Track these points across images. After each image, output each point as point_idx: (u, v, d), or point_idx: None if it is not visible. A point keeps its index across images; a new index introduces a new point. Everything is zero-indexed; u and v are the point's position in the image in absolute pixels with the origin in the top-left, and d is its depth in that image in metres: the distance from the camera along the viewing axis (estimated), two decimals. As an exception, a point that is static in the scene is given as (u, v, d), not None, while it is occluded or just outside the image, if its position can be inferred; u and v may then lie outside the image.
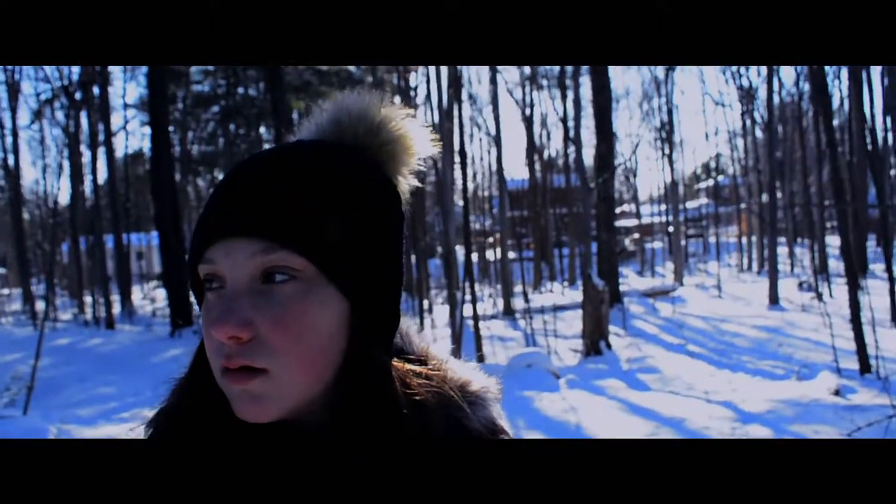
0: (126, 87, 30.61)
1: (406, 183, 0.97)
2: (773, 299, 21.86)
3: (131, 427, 0.96)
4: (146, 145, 38.05)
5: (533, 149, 36.01)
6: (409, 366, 0.92)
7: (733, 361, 12.80)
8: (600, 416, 8.35)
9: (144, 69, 28.48)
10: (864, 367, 10.02)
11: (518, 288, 27.23)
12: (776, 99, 28.87)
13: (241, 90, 26.17)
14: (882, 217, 15.79)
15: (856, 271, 10.53)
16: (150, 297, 34.42)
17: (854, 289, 9.80)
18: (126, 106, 33.11)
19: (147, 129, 35.66)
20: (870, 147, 19.17)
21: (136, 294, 35.40)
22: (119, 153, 33.80)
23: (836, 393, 8.79)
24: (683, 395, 9.57)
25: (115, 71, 27.94)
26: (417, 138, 0.96)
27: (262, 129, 27.32)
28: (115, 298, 26.71)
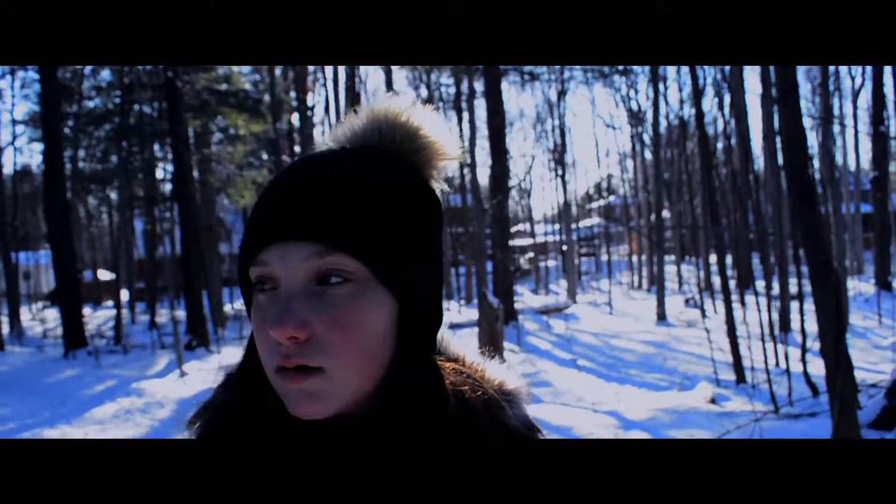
0: (15, 102, 29.43)
1: (438, 186, 0.99)
2: (661, 316, 22.79)
3: (183, 424, 0.97)
4: (34, 161, 37.04)
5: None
6: (453, 364, 0.96)
7: (621, 375, 13.43)
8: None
9: (36, 85, 27.82)
10: (740, 377, 10.73)
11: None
12: (663, 122, 30.14)
13: (136, 107, 25.75)
14: (759, 238, 16.73)
15: (729, 290, 11.26)
16: (40, 318, 33.30)
17: (728, 306, 10.48)
18: (14, 122, 32.08)
19: (35, 146, 34.79)
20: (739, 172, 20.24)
21: (24, 315, 34.20)
22: (6, 169, 32.71)
23: (712, 401, 9.47)
24: (573, 406, 10.07)
25: (5, 86, 27.13)
26: (449, 144, 0.99)
27: (157, 147, 26.93)
28: (3, 319, 25.83)
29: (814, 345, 10.29)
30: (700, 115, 12.29)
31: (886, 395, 7.00)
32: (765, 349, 10.47)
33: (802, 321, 10.17)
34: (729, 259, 23.10)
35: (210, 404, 0.95)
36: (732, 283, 16.50)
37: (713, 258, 32.74)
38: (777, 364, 11.27)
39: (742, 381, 10.74)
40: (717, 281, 28.39)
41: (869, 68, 24.99)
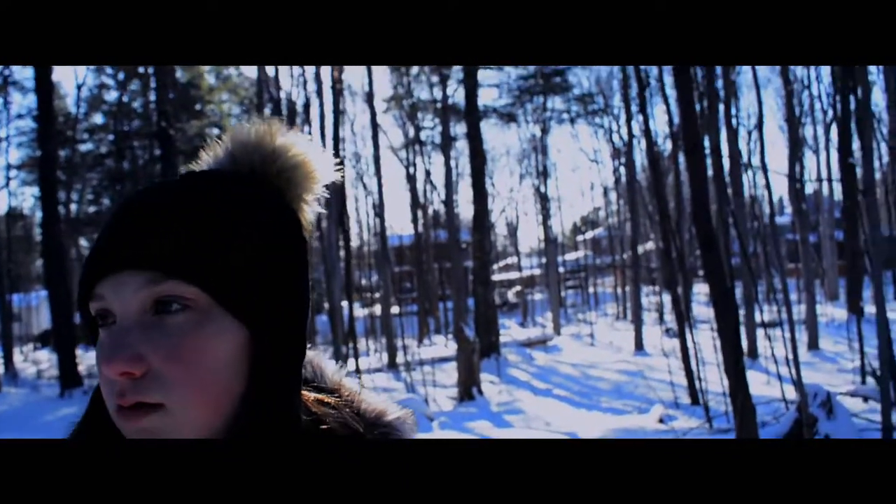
0: (9, 147, 30.20)
1: (308, 209, 0.95)
2: (639, 345, 23.50)
3: None
4: (25, 204, 37.78)
5: (417, 205, 37.04)
6: (316, 395, 0.91)
7: (592, 402, 14.20)
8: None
9: (30, 131, 28.64)
10: (694, 399, 11.58)
11: (405, 341, 28.15)
12: (639, 159, 31.06)
13: (129, 148, 26.54)
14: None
15: (684, 321, 12.14)
16: (32, 360, 33.79)
17: (682, 334, 11.34)
18: (9, 167, 32.84)
19: (27, 189, 35.57)
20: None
21: (16, 356, 34.65)
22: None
23: (661, 421, 10.30)
24: (538, 429, 10.87)
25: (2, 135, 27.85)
26: (318, 164, 0.94)
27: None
28: (-3, 360, 26.38)
29: (780, 369, 11.28)
30: (655, 160, 13.19)
31: (798, 409, 7.82)
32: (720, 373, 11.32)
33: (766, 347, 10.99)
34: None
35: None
36: (711, 312, 17.32)
37: (697, 287, 33.68)
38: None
39: (696, 403, 11.57)
40: (700, 310, 29.24)
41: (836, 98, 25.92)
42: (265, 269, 0.84)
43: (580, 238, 61.98)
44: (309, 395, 0.90)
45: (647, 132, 13.87)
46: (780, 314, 11.39)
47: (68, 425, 0.94)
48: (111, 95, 30.60)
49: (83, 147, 29.09)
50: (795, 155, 23.98)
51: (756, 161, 27.19)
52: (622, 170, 35.53)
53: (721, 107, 12.00)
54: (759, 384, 11.68)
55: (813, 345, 19.15)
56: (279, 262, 0.86)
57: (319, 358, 0.99)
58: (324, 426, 0.87)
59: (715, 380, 11.88)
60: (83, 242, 37.27)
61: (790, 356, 8.04)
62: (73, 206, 30.91)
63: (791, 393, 9.17)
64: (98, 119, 29.87)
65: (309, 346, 0.92)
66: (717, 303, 6.84)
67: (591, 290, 47.49)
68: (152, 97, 26.62)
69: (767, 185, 12.16)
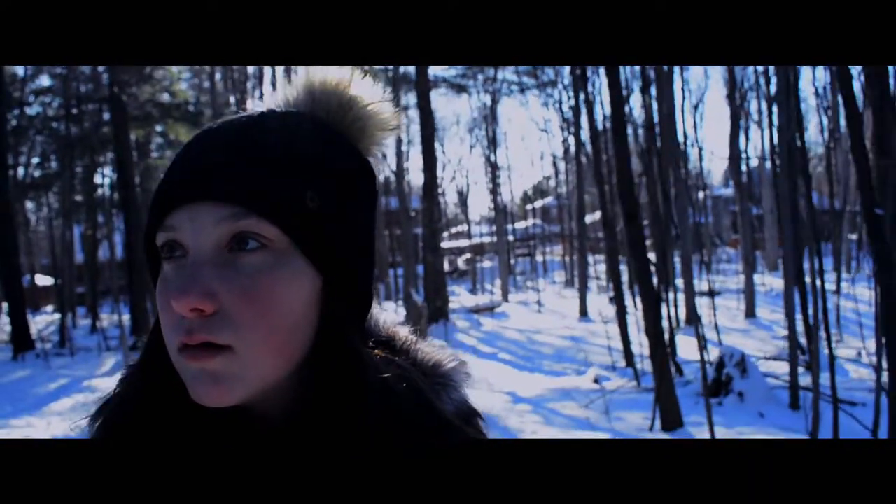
0: None
1: (376, 161, 0.94)
2: (583, 312, 24.18)
3: (73, 421, 0.89)
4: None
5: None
6: (378, 351, 0.87)
7: (535, 365, 14.83)
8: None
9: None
10: (629, 362, 12.29)
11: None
12: (588, 127, 31.59)
13: (79, 112, 26.32)
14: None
15: (621, 288, 12.82)
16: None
17: (620, 304, 12.04)
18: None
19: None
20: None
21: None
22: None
23: (595, 381, 11.00)
24: (481, 390, 11.46)
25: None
26: (386, 116, 0.93)
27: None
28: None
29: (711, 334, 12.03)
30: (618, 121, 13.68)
31: (715, 369, 8.52)
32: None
33: (710, 315, 11.67)
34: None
35: (107, 401, 0.88)
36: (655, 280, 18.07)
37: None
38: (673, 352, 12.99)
39: (630, 366, 12.28)
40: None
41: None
42: (343, 217, 0.83)
43: (530, 207, 62.53)
44: (373, 350, 0.87)
45: (589, 110, 14.48)
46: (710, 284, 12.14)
47: (123, 369, 0.90)
48: (59, 58, 30.22)
49: (30, 110, 28.76)
50: (736, 130, 24.79)
51: (699, 136, 27.93)
52: (571, 140, 36.06)
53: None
54: (691, 348, 12.44)
55: (750, 313, 19.94)
56: (355, 212, 0.86)
57: (374, 307, 0.94)
58: (387, 382, 0.81)
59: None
60: (29, 205, 36.82)
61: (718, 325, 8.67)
62: (20, 170, 30.57)
63: (715, 355, 9.89)
64: (45, 81, 29.51)
65: None
66: (638, 274, 7.46)
67: (540, 258, 48.01)
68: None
69: (700, 162, 12.79)
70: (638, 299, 24.51)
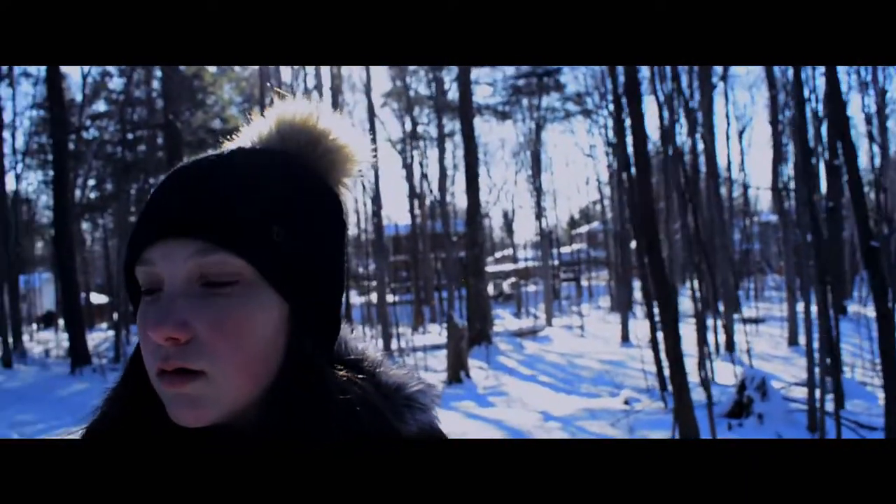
0: (14, 135, 30.67)
1: (347, 193, 0.96)
2: (625, 337, 24.26)
3: (69, 432, 0.94)
4: (29, 189, 38.54)
5: (413, 196, 37.40)
6: (344, 371, 0.89)
7: (573, 388, 15.13)
8: (447, 422, 10.60)
9: (36, 118, 29.34)
10: (662, 385, 12.54)
11: (400, 329, 28.80)
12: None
13: (130, 135, 27.11)
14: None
15: (653, 313, 13.09)
16: (37, 340, 34.49)
17: (653, 329, 12.35)
18: (15, 151, 33.33)
19: (31, 173, 36.29)
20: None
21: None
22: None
23: (626, 402, 11.32)
24: (516, 409, 11.82)
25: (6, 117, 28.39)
26: (358, 148, 0.96)
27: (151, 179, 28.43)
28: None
29: (763, 364, 12.29)
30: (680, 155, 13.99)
31: (737, 392, 8.78)
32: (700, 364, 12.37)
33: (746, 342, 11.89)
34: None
35: (93, 421, 0.92)
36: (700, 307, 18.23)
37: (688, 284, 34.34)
38: (712, 377, 13.29)
39: (664, 389, 12.53)
40: (688, 306, 29.92)
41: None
42: (309, 248, 0.86)
43: (576, 231, 62.38)
44: (338, 371, 0.89)
45: (621, 136, 14.78)
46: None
47: (102, 391, 0.95)
48: (114, 83, 31.29)
49: (86, 134, 29.61)
50: (778, 160, 24.79)
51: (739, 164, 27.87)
52: (616, 165, 36.11)
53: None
54: (728, 374, 12.69)
55: (793, 340, 19.93)
56: (322, 242, 0.89)
57: (344, 330, 0.97)
58: (352, 402, 0.84)
59: (690, 370, 12.93)
60: (84, 226, 37.78)
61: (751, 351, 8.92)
62: (77, 192, 31.52)
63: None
64: (101, 107, 30.44)
65: None
66: (660, 300, 7.79)
67: (585, 282, 47.83)
68: (155, 85, 27.31)
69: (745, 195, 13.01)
70: (683, 326, 24.79)
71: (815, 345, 18.43)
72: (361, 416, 0.84)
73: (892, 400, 6.04)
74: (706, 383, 8.39)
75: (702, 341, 9.28)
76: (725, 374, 13.50)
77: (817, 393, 8.35)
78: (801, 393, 11.11)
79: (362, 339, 0.99)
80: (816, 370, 8.59)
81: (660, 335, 10.31)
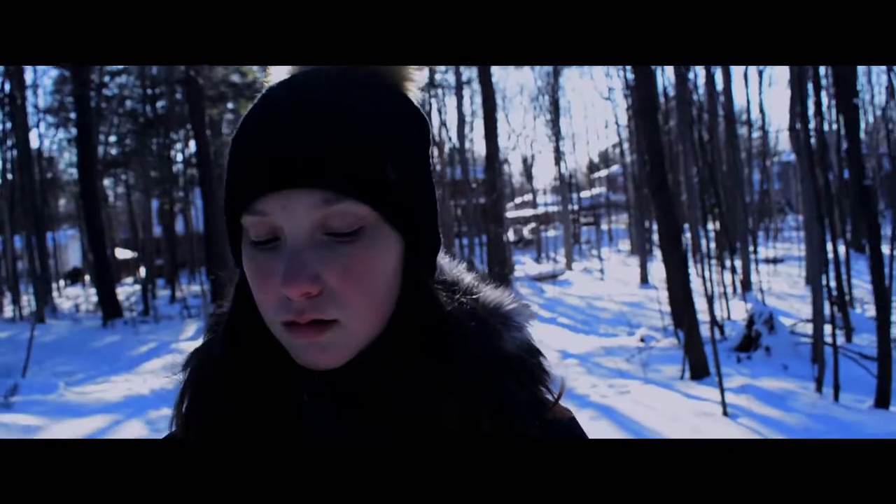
0: (36, 92, 30.90)
1: (416, 99, 0.92)
2: (644, 279, 24.61)
3: (166, 366, 0.94)
4: (52, 148, 39.02)
5: (433, 143, 37.30)
6: (446, 292, 0.88)
7: (591, 329, 15.52)
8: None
9: (56, 76, 29.61)
10: (677, 324, 12.90)
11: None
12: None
13: (151, 91, 27.29)
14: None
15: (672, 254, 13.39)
16: (65, 295, 35.18)
17: (669, 268, 12.67)
18: (38, 110, 33.68)
19: (52, 133, 36.74)
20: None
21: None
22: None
23: (642, 340, 11.68)
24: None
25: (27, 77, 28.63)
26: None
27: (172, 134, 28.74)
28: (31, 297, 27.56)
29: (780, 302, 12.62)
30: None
31: (746, 326, 9.11)
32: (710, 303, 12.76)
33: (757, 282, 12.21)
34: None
35: (200, 349, 0.93)
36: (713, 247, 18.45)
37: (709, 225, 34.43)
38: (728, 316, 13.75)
39: (679, 327, 12.91)
40: (704, 246, 30.12)
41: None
42: (416, 177, 0.85)
43: (596, 175, 62.26)
44: (441, 291, 0.88)
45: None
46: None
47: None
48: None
49: (108, 91, 29.87)
50: (796, 99, 24.61)
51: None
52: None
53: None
54: (743, 312, 13.02)
55: (810, 280, 20.15)
56: (422, 166, 0.87)
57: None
58: (458, 320, 0.85)
59: (703, 308, 13.23)
60: (106, 182, 38.18)
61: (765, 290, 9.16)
62: (100, 149, 31.89)
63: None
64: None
65: None
66: (667, 239, 8.08)
67: (605, 226, 47.92)
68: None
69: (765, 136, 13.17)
70: (699, 265, 24.97)
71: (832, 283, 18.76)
72: (470, 332, 0.84)
73: (883, 325, 6.40)
74: (714, 319, 8.69)
75: (712, 281, 9.59)
76: (741, 311, 13.83)
77: (827, 328, 8.65)
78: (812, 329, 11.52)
79: (456, 263, 0.97)
80: (826, 305, 8.86)
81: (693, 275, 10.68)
